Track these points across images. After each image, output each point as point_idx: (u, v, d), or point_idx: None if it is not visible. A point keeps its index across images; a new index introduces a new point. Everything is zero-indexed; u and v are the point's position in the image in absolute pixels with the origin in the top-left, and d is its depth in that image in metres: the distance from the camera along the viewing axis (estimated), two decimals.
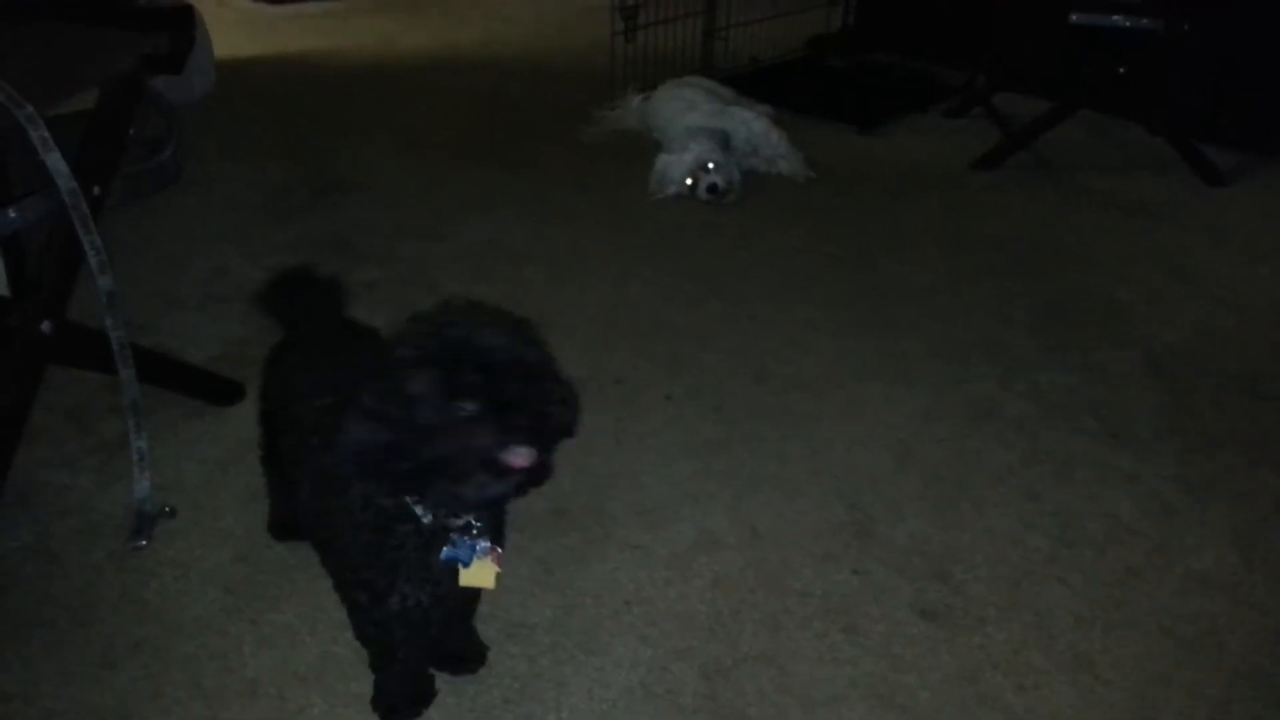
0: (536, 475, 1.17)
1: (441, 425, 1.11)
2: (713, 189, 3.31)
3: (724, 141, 3.41)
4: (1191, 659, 1.70)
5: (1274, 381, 2.46)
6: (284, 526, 1.86)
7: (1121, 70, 3.55)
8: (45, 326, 1.78)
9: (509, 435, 1.12)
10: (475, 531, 1.29)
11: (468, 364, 1.11)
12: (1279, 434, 2.27)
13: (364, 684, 1.56)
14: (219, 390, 2.23)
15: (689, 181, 3.33)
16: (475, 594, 1.54)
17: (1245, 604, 1.81)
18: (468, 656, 1.62)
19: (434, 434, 1.12)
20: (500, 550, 1.33)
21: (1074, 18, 3.39)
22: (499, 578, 1.35)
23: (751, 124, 3.59)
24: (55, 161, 1.66)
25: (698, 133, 3.42)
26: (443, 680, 1.59)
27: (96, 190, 1.80)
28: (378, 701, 1.53)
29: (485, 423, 1.11)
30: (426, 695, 1.56)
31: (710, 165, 3.32)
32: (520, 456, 1.13)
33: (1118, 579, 1.86)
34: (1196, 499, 2.07)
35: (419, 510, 1.26)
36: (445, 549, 1.29)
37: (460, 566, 1.31)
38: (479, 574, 1.32)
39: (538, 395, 1.15)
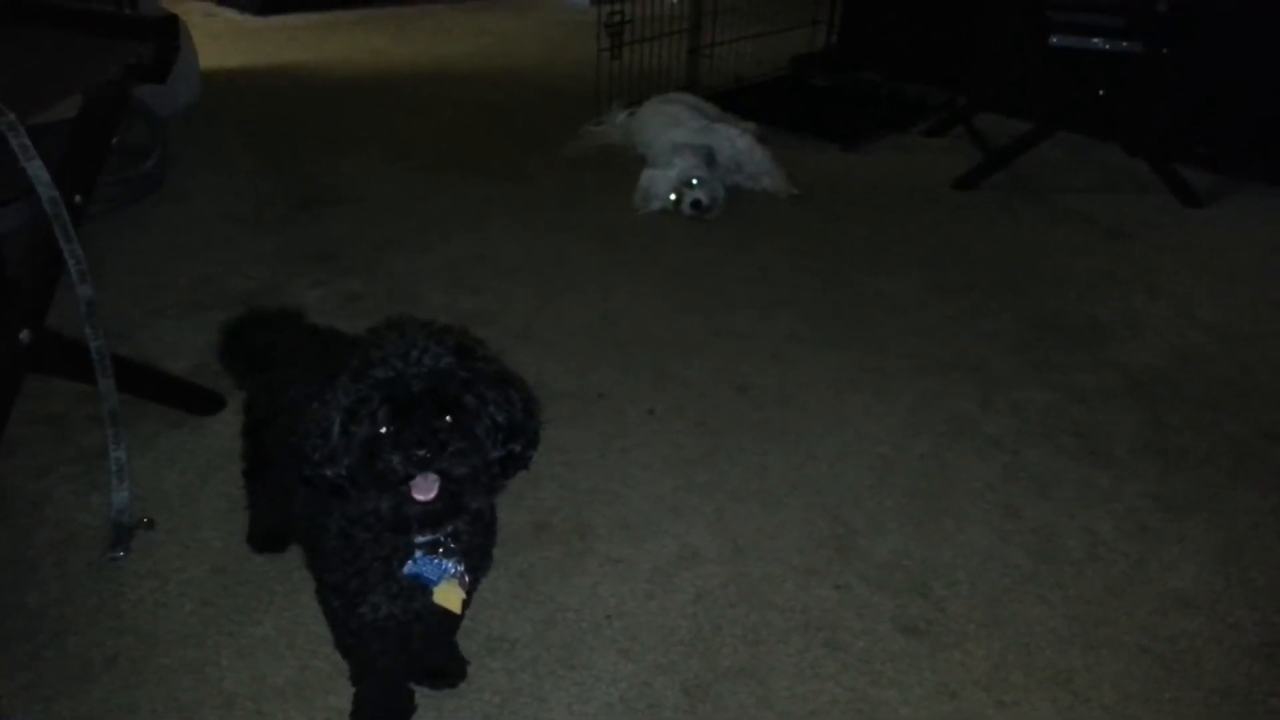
0: (444, 509, 1.17)
1: (345, 448, 1.16)
2: (696, 204, 3.32)
3: (708, 157, 3.43)
4: (1170, 677, 1.71)
5: (1251, 401, 2.49)
6: (264, 538, 1.85)
7: (1101, 92, 3.59)
8: (24, 335, 1.76)
9: (409, 466, 1.13)
10: (442, 550, 1.29)
11: (378, 393, 1.14)
12: (1256, 453, 2.29)
13: (343, 698, 1.55)
14: (199, 400, 2.22)
15: (673, 197, 3.35)
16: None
17: (1224, 622, 1.82)
18: (448, 671, 1.61)
19: (338, 455, 1.16)
20: (467, 575, 1.32)
21: (1054, 40, 3.44)
22: (465, 603, 1.35)
23: (736, 140, 3.61)
24: (36, 170, 1.65)
25: (682, 149, 3.43)
26: (422, 695, 1.58)
27: (78, 198, 1.79)
28: (356, 716, 1.52)
29: (385, 452, 1.13)
30: (406, 710, 1.54)
31: (694, 181, 3.33)
32: (419, 488, 1.15)
33: (1097, 596, 1.87)
34: (1175, 517, 2.08)
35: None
36: (408, 564, 1.28)
37: (429, 585, 1.30)
38: (445, 595, 1.31)
39: (451, 429, 1.15)
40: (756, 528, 2.01)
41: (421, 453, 1.12)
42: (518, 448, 1.24)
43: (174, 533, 1.90)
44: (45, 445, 2.12)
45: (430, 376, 1.15)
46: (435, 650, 1.58)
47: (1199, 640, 1.78)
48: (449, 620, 1.53)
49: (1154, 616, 1.83)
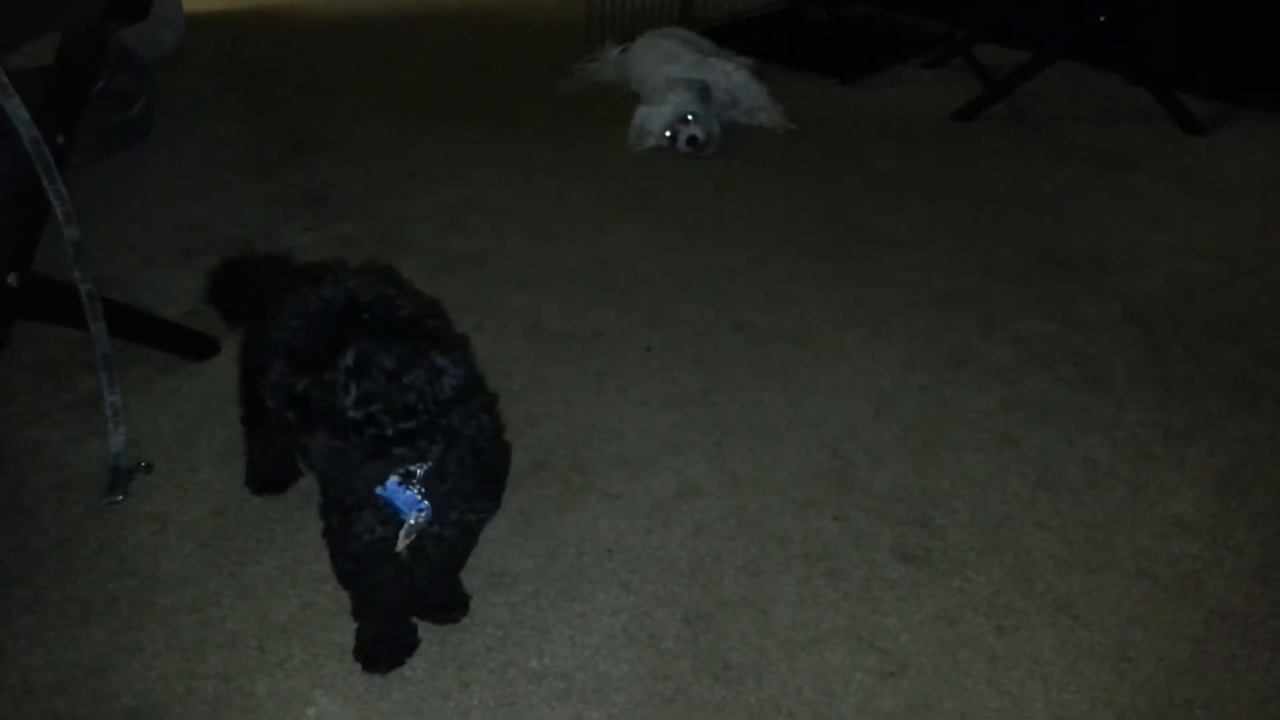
0: None
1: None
2: (692, 141, 3.27)
3: (703, 93, 3.37)
4: (1169, 600, 1.71)
5: (1252, 329, 2.47)
6: (262, 480, 1.85)
7: (1102, 20, 3.52)
8: (11, 279, 1.74)
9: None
10: (416, 481, 1.30)
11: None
12: (1256, 380, 2.28)
13: (346, 634, 1.56)
14: (193, 345, 2.20)
15: (668, 134, 3.29)
16: (465, 548, 1.54)
17: (1223, 546, 1.83)
18: (451, 606, 1.61)
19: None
20: (425, 516, 1.33)
21: None
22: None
23: (732, 75, 3.54)
24: (15, 108, 1.61)
25: (677, 84, 3.37)
26: (425, 629, 1.58)
27: (60, 139, 1.76)
28: (360, 651, 1.53)
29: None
30: (409, 644, 1.55)
31: (690, 117, 3.27)
32: None
33: (1097, 522, 1.87)
34: (1174, 444, 2.08)
35: None
36: (386, 486, 1.29)
37: (400, 515, 1.32)
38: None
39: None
40: (756, 462, 2.00)
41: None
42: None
43: (172, 476, 1.90)
44: (39, 392, 2.11)
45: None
46: (438, 587, 1.59)
47: (1199, 564, 1.79)
48: (452, 558, 1.54)
49: (1154, 541, 1.83)
